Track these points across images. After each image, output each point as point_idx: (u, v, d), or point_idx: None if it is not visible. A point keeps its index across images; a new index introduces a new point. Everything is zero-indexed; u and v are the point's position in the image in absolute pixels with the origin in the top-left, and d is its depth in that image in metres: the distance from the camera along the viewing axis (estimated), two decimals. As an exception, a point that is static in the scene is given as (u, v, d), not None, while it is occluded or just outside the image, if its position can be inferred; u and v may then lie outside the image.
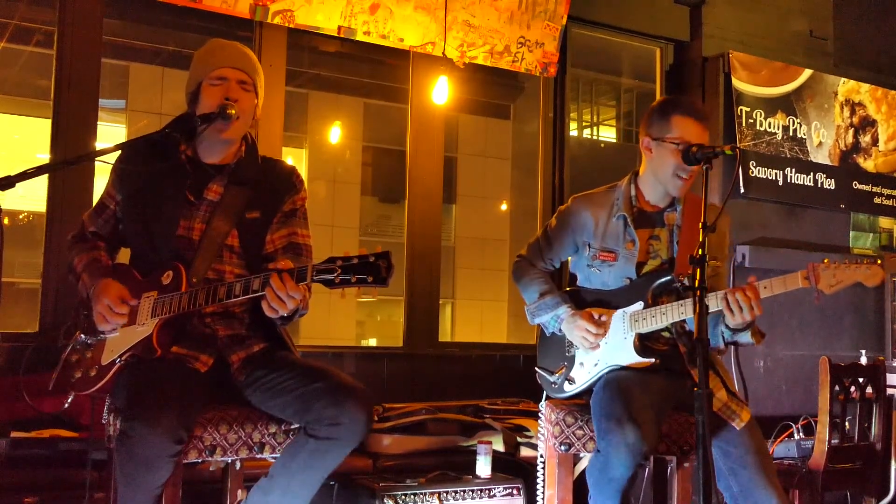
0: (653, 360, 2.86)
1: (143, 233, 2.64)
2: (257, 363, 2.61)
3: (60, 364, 2.66)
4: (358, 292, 2.28)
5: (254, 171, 2.72)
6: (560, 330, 3.02)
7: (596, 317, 2.93)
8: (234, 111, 2.56)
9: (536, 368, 3.15)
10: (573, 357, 3.01)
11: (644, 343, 2.88)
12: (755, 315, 2.67)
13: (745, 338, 2.82)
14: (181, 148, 2.65)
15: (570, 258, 3.24)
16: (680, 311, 2.77)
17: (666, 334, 2.93)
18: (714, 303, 2.70)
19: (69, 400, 2.67)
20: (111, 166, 2.72)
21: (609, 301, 2.97)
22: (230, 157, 2.70)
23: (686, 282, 2.81)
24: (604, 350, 2.92)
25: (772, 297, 2.70)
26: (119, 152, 2.70)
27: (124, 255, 2.81)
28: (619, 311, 2.92)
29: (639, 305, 2.88)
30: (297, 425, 2.53)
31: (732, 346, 2.96)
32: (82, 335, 2.66)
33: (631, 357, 2.86)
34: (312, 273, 2.25)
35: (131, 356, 2.49)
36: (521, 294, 3.15)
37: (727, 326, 2.79)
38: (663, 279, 2.89)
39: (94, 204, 2.84)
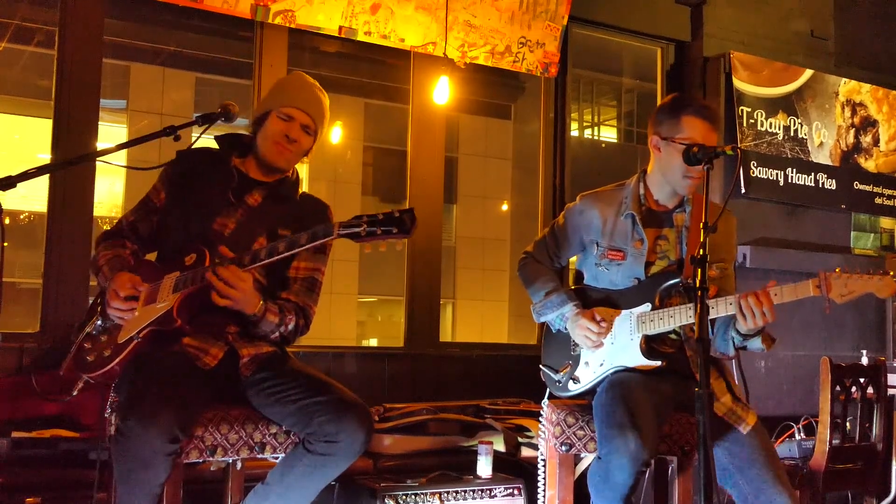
0: (659, 362, 2.85)
1: (180, 224, 2.71)
2: (264, 363, 2.63)
3: (75, 348, 2.67)
4: (383, 245, 2.34)
5: (293, 195, 2.85)
6: (565, 328, 3.01)
7: (597, 318, 2.92)
8: (236, 111, 2.64)
9: (541, 366, 3.14)
10: (578, 356, 3.00)
11: (650, 345, 2.87)
12: (767, 321, 2.66)
13: (756, 344, 2.80)
14: (235, 162, 2.80)
15: (575, 257, 3.23)
16: (688, 315, 2.76)
17: (672, 336, 2.92)
18: (725, 307, 2.69)
19: (79, 386, 2.66)
20: (162, 168, 2.83)
21: (616, 300, 2.96)
22: (275, 177, 2.83)
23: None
24: (610, 350, 2.92)
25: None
26: (175, 156, 2.82)
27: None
28: (627, 312, 2.91)
29: (647, 307, 2.87)
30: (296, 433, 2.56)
31: (742, 351, 2.95)
32: (99, 321, 2.66)
33: (637, 359, 2.85)
34: (339, 229, 2.34)
35: (151, 332, 2.50)
36: (527, 291, 3.14)
37: (738, 332, 2.78)
38: (672, 281, 2.88)
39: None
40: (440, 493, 3.46)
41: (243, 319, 2.61)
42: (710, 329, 2.90)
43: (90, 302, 2.80)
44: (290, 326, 2.67)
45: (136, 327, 2.51)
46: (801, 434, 4.26)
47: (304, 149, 2.82)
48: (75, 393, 2.70)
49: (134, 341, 2.50)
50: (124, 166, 3.08)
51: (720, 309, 2.69)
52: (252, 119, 2.86)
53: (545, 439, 2.98)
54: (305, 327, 2.75)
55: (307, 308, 2.75)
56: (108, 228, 2.84)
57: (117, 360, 2.51)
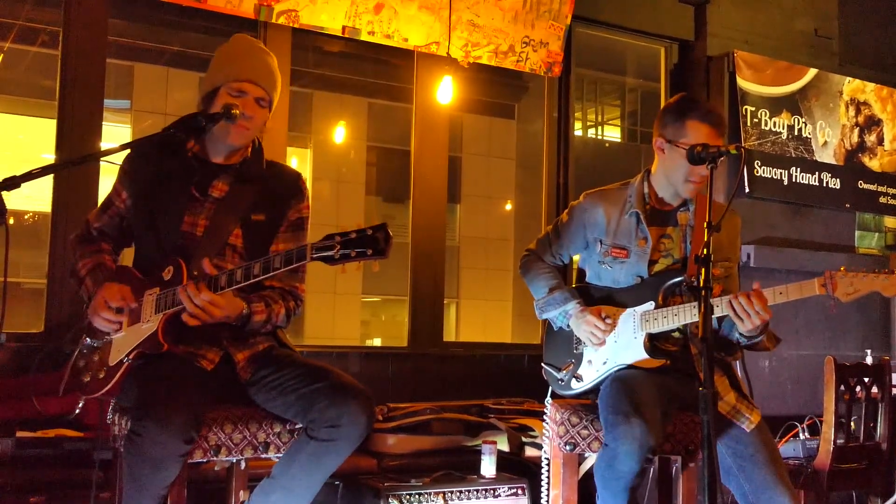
0: (662, 360, 2.85)
1: (148, 229, 2.65)
2: (262, 362, 2.62)
3: (69, 370, 2.67)
4: (359, 266, 2.26)
5: (259, 172, 2.74)
6: (568, 326, 3.01)
7: (602, 316, 2.92)
8: (237, 111, 2.57)
9: (543, 364, 3.14)
10: (581, 354, 3.01)
11: (654, 343, 2.87)
12: (764, 320, 2.65)
13: (760, 342, 2.80)
14: (189, 145, 2.68)
15: (578, 255, 3.23)
16: (692, 313, 2.76)
17: (676, 335, 2.92)
18: (721, 308, 2.68)
19: (80, 406, 2.67)
20: (120, 165, 2.73)
21: (619, 299, 2.96)
22: (237, 157, 2.72)
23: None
24: (613, 349, 2.92)
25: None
26: (127, 151, 2.71)
27: (127, 258, 2.81)
28: (630, 310, 2.91)
29: (650, 305, 2.87)
30: (300, 425, 2.55)
31: (749, 351, 2.94)
32: (88, 339, 2.66)
33: (640, 356, 2.85)
34: (312, 252, 2.24)
35: (139, 354, 2.49)
36: (529, 288, 3.14)
37: (741, 333, 2.77)
38: (675, 280, 2.88)
39: (99, 203, 2.84)
40: (444, 493, 3.46)
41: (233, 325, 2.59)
42: (718, 326, 2.92)
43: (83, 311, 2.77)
44: (282, 315, 2.64)
45: (125, 350, 2.51)
46: (806, 434, 4.25)
47: (260, 123, 2.67)
48: (77, 411, 2.70)
49: (125, 364, 2.50)
50: (128, 166, 3.06)
51: (724, 307, 2.69)
52: (200, 96, 2.69)
53: (549, 439, 2.98)
54: (297, 307, 2.70)
55: (294, 289, 2.71)
56: (78, 232, 2.79)
57: (112, 382, 2.51)
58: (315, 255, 2.23)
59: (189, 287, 2.40)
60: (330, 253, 2.20)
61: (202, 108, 2.65)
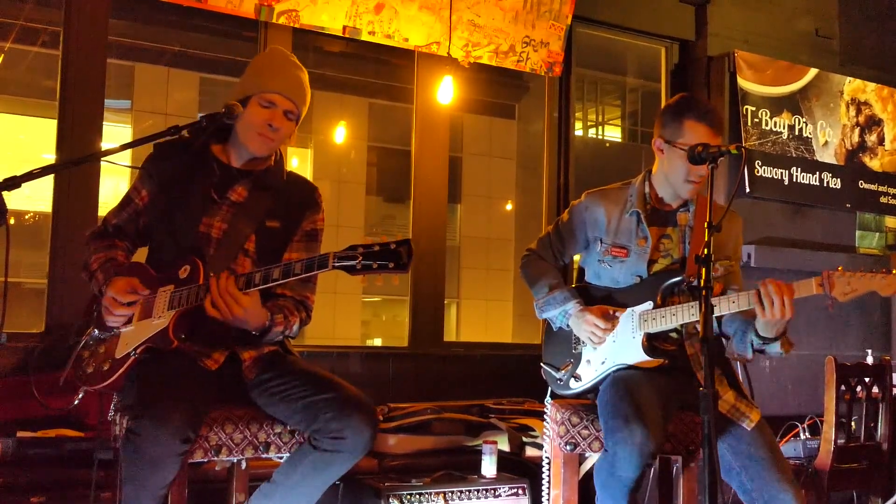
0: (661, 360, 2.85)
1: (165, 226, 2.67)
2: (267, 365, 2.63)
3: (72, 359, 2.67)
4: (363, 281, 2.29)
5: (279, 181, 2.77)
6: (567, 325, 3.01)
7: (610, 312, 2.92)
8: (239, 111, 2.59)
9: (542, 364, 3.14)
10: (580, 354, 3.01)
11: (652, 343, 2.87)
12: (785, 314, 2.59)
13: (775, 348, 2.77)
14: (212, 148, 2.71)
15: (578, 255, 3.23)
16: (690, 313, 2.75)
17: (674, 335, 2.92)
18: (728, 305, 2.66)
19: (79, 396, 2.67)
20: (141, 163, 2.76)
21: (618, 299, 2.96)
22: (259, 165, 2.75)
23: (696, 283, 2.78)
24: (611, 348, 2.92)
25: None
26: (150, 151, 2.75)
27: (140, 256, 2.82)
28: (629, 310, 2.91)
29: (648, 305, 2.87)
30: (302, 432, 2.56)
31: (759, 354, 2.92)
32: (96, 330, 2.66)
33: (639, 356, 2.85)
34: (334, 260, 2.28)
35: (146, 349, 2.50)
36: (529, 288, 3.13)
37: (757, 334, 2.75)
38: (674, 279, 2.88)
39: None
40: (444, 493, 3.46)
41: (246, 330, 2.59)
42: (718, 327, 2.92)
43: (87, 304, 2.78)
44: (295, 326, 2.66)
45: (134, 343, 2.51)
46: (806, 434, 4.25)
47: (286, 135, 2.71)
48: (77, 402, 2.69)
49: (132, 357, 2.50)
50: (129, 166, 3.07)
51: (723, 307, 2.68)
52: (230, 102, 2.70)
53: (549, 438, 2.98)
54: (307, 318, 2.73)
55: (305, 300, 2.73)
56: (94, 229, 2.80)
57: (116, 375, 2.51)
58: (337, 264, 2.28)
59: (222, 276, 2.43)
60: (352, 263, 2.25)
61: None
